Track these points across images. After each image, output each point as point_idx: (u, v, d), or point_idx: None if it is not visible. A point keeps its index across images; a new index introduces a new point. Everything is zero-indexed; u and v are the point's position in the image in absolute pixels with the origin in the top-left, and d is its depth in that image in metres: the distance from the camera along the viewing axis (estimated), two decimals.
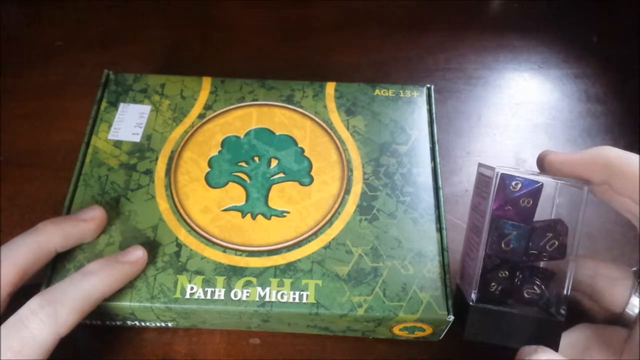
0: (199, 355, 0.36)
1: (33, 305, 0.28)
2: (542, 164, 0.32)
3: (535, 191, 0.30)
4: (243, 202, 0.36)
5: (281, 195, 0.37)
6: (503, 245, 0.30)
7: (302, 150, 0.39)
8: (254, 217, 0.36)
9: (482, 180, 0.32)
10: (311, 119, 0.40)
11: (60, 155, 0.45)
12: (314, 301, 0.33)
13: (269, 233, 0.35)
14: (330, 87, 0.42)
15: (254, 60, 0.52)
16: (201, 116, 0.40)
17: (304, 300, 0.33)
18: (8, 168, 0.44)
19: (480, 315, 0.31)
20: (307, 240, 0.35)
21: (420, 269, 0.34)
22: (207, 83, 0.42)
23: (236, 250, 0.35)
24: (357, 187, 0.37)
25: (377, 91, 0.42)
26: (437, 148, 0.39)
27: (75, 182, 0.37)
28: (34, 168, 0.44)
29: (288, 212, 0.36)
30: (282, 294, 0.33)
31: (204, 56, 0.52)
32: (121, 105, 0.40)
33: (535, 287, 0.31)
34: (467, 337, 0.31)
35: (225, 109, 0.41)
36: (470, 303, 0.31)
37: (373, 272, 0.34)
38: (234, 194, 0.37)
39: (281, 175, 0.38)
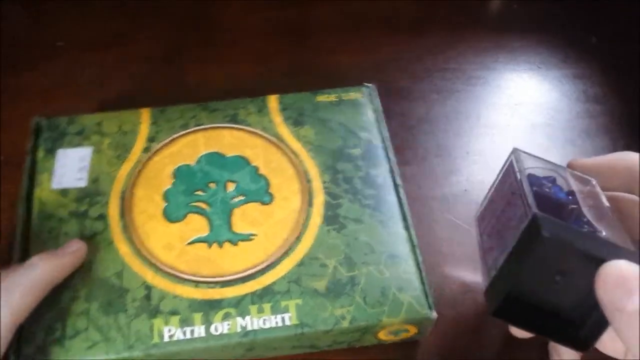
0: None
1: None
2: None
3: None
4: (207, 232, 0.35)
5: (244, 218, 0.36)
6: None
7: (257, 169, 0.38)
8: (220, 245, 0.35)
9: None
10: (260, 135, 0.40)
11: None
12: (297, 322, 0.32)
13: (239, 259, 0.34)
14: (272, 101, 0.41)
15: (254, 60, 0.51)
16: (146, 150, 0.39)
17: (287, 323, 0.32)
18: (8, 168, 0.44)
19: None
20: (279, 260, 0.34)
21: (396, 271, 0.34)
22: (145, 115, 0.40)
23: (208, 282, 0.33)
24: (319, 198, 0.37)
25: (319, 97, 0.42)
26: (389, 146, 0.39)
27: (24, 240, 0.35)
28: None
29: (255, 235, 0.35)
30: (264, 320, 0.32)
31: (204, 57, 0.51)
32: (59, 152, 0.38)
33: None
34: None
35: (170, 139, 0.39)
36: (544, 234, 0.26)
37: (350, 281, 0.34)
38: (196, 225, 0.36)
39: (241, 197, 0.37)
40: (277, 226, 0.36)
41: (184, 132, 0.40)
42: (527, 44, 0.54)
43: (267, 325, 0.32)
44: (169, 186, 0.37)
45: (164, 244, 0.35)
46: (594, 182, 0.31)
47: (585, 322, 0.28)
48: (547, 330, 0.29)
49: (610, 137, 0.48)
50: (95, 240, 0.35)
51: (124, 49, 0.52)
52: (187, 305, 0.33)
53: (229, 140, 0.39)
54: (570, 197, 0.30)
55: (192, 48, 0.52)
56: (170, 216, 0.36)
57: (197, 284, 0.33)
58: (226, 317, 0.32)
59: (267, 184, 0.37)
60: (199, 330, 0.32)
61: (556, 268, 0.27)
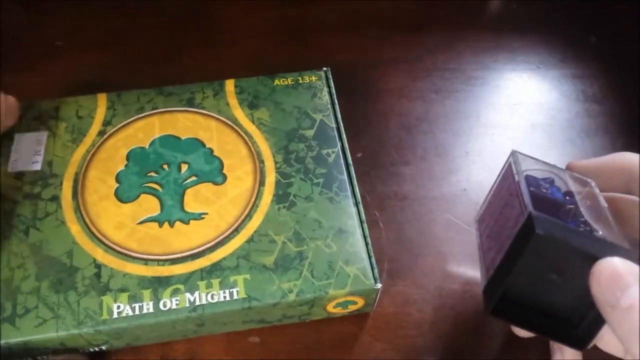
0: (198, 354, 0.36)
1: None
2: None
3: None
4: (158, 212, 0.36)
5: (196, 198, 0.36)
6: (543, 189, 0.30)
7: (211, 151, 0.39)
8: (171, 224, 0.35)
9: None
10: (215, 118, 0.40)
11: None
12: (245, 295, 0.33)
13: (190, 237, 0.35)
14: (229, 85, 0.42)
15: (254, 60, 0.51)
16: (101, 133, 0.39)
17: (235, 297, 0.33)
18: None
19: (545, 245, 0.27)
20: (229, 237, 0.35)
21: (343, 245, 0.35)
22: (102, 100, 0.41)
23: (158, 260, 0.34)
24: (270, 178, 0.37)
25: (276, 81, 0.42)
26: (342, 127, 0.40)
27: None
28: None
29: (206, 214, 0.36)
30: (212, 295, 0.33)
31: (203, 56, 0.51)
32: (16, 136, 0.39)
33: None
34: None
35: (125, 122, 0.40)
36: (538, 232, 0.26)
37: (298, 256, 0.34)
38: (148, 205, 0.36)
39: (193, 178, 0.37)
40: (229, 205, 0.36)
41: (139, 115, 0.40)
42: (526, 44, 0.54)
43: (215, 300, 0.33)
44: (122, 168, 0.37)
45: (115, 223, 0.35)
46: (592, 183, 0.32)
47: (582, 321, 0.28)
48: (545, 329, 0.29)
49: (610, 137, 0.48)
50: (47, 220, 0.35)
51: (124, 49, 0.52)
52: (136, 282, 0.33)
53: (184, 123, 0.40)
54: (568, 198, 0.31)
55: (192, 48, 0.52)
56: (122, 197, 0.36)
57: (147, 261, 0.34)
58: (175, 293, 0.33)
59: (221, 164, 0.38)
60: (148, 306, 0.32)
61: (552, 267, 0.27)
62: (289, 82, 0.42)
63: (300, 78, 0.42)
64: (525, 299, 0.29)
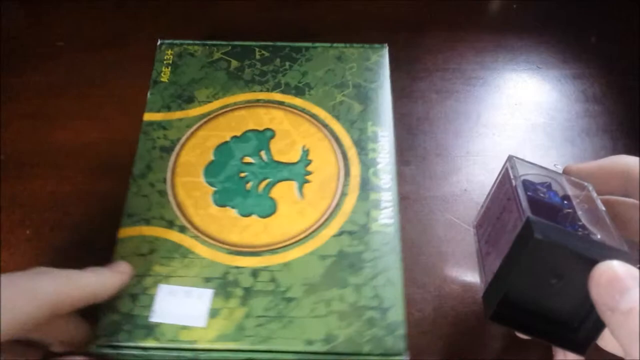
0: None
1: None
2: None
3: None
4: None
5: None
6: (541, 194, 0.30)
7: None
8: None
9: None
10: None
11: (61, 154, 0.45)
12: None
13: None
14: None
15: None
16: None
17: None
18: (8, 168, 0.44)
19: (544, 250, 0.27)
20: None
21: None
22: None
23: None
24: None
25: None
26: None
27: None
28: (34, 168, 0.44)
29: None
30: None
31: None
32: None
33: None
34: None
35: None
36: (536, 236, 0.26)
37: None
38: None
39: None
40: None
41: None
42: (526, 44, 0.54)
43: None
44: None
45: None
46: (589, 187, 0.32)
47: (582, 325, 0.28)
48: (545, 334, 0.29)
49: (610, 137, 0.48)
50: None
51: (124, 49, 0.52)
52: None
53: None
54: (565, 202, 0.31)
55: None
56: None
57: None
58: None
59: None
60: None
61: (551, 271, 0.27)
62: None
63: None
64: (525, 304, 0.29)
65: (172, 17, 0.55)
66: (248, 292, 0.32)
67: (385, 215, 0.36)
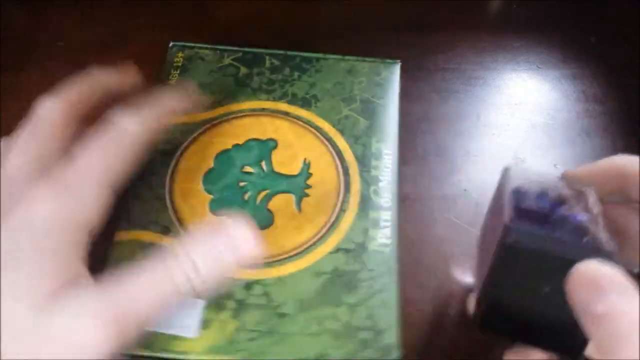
0: None
1: None
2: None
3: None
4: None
5: None
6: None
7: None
8: None
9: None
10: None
11: None
12: None
13: None
14: None
15: None
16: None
17: None
18: None
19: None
20: None
21: None
22: None
23: None
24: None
25: None
26: None
27: None
28: None
29: None
30: None
31: None
32: None
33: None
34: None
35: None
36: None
37: None
38: None
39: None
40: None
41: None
42: (526, 44, 0.54)
43: None
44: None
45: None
46: (587, 191, 0.32)
47: (572, 330, 0.27)
48: (537, 341, 0.29)
49: (610, 137, 0.48)
50: None
51: (124, 49, 0.52)
52: None
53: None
54: (560, 208, 0.31)
55: None
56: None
57: None
58: None
59: None
60: None
61: (536, 277, 0.27)
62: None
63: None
64: (513, 311, 0.29)
65: (173, 17, 0.55)
66: (240, 305, 0.32)
67: (384, 235, 0.36)
